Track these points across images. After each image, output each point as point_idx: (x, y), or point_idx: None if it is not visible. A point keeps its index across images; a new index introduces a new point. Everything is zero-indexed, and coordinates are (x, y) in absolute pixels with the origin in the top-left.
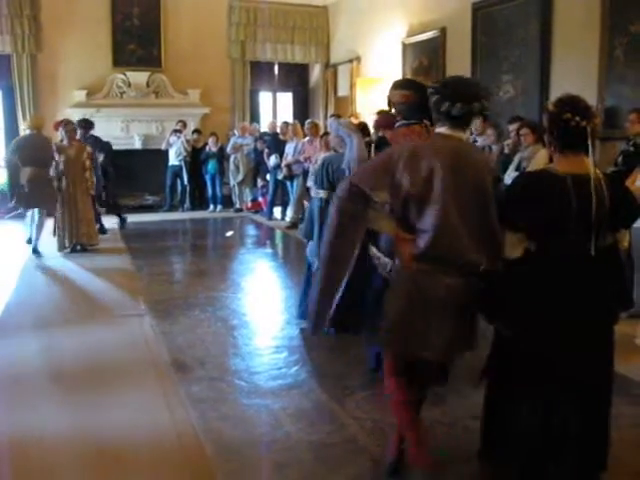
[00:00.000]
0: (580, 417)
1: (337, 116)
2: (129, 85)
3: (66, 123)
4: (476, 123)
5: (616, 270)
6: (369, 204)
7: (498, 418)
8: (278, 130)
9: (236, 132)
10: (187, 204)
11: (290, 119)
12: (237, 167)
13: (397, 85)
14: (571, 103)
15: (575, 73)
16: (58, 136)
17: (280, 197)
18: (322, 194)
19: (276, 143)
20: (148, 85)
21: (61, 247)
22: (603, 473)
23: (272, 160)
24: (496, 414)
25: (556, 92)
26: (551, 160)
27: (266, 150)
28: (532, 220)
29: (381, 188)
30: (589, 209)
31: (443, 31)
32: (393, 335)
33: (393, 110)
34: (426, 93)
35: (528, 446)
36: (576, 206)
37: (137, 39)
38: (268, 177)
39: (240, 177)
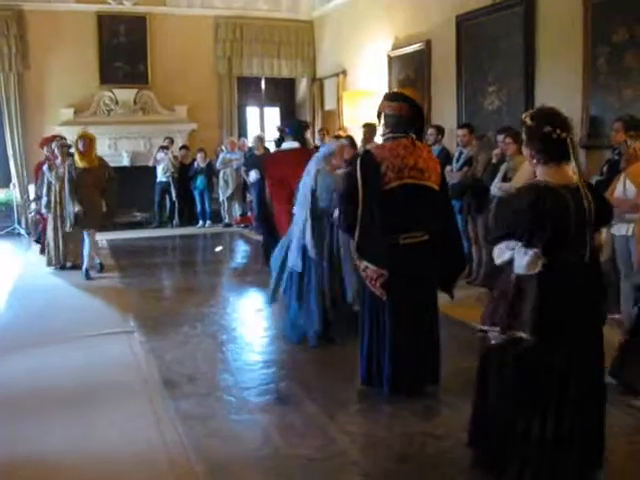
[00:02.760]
0: (580, 417)
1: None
2: (116, 102)
3: (62, 143)
4: (461, 134)
5: (600, 272)
6: None
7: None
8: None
9: (224, 147)
10: (176, 220)
11: (276, 134)
12: (226, 182)
13: (387, 97)
14: (550, 116)
15: (559, 83)
16: (44, 153)
17: None
18: None
19: (254, 159)
20: (135, 102)
21: (49, 263)
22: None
23: (252, 176)
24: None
25: (541, 102)
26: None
27: (243, 168)
28: (545, 234)
29: None
30: (583, 217)
31: (428, 43)
32: None
33: (382, 122)
34: (416, 107)
35: (526, 449)
36: (574, 216)
37: (124, 56)
38: (248, 194)
39: (229, 192)
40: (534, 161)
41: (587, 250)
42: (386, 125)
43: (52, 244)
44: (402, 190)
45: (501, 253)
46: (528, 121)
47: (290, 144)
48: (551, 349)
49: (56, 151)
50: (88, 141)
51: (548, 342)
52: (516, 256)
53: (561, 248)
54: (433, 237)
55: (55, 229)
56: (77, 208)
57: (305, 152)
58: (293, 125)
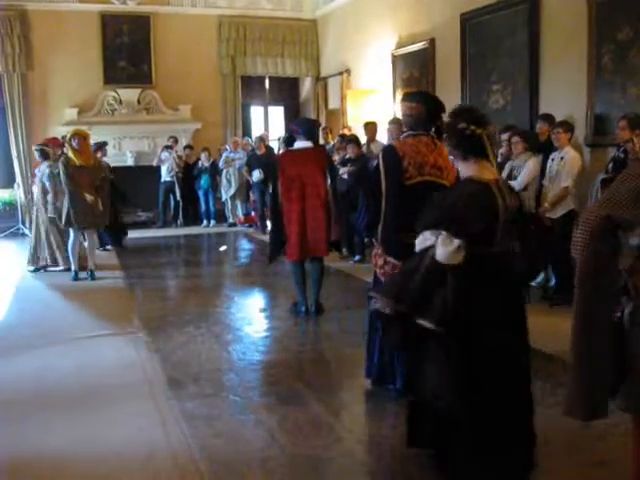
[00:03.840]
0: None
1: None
2: (120, 102)
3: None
4: None
5: (527, 265)
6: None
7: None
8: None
9: (228, 147)
10: (180, 220)
11: (282, 133)
12: (229, 181)
13: (405, 97)
14: (465, 113)
15: (564, 81)
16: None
17: None
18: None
19: (256, 158)
20: (139, 102)
21: (29, 262)
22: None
23: (256, 175)
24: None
25: (545, 100)
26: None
27: (245, 167)
28: (475, 228)
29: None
30: (507, 210)
31: (432, 42)
32: None
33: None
34: (434, 105)
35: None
36: (502, 208)
37: (127, 56)
38: (251, 194)
39: (232, 191)
40: (454, 157)
41: (511, 245)
42: (405, 124)
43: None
44: (422, 187)
45: (424, 240)
46: (446, 118)
47: (304, 143)
48: (460, 340)
49: (36, 156)
50: (82, 139)
51: (454, 333)
52: (440, 244)
53: (486, 242)
54: None
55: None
56: (89, 198)
57: (319, 151)
58: (306, 124)
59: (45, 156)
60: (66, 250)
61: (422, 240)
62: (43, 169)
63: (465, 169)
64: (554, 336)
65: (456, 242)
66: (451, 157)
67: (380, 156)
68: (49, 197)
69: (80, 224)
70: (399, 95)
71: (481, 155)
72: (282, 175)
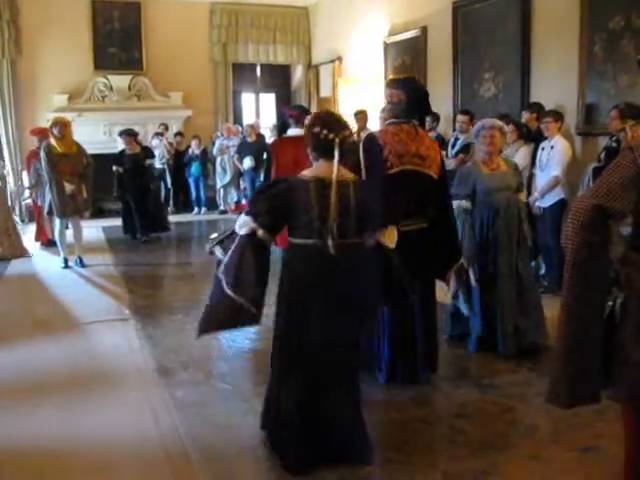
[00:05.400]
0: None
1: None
2: (111, 89)
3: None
4: (461, 120)
5: (364, 268)
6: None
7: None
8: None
9: (220, 134)
10: (171, 207)
11: (273, 120)
12: (224, 169)
13: (388, 83)
14: (322, 118)
15: (555, 70)
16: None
17: None
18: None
19: (246, 145)
20: (130, 88)
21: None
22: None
23: (247, 163)
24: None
25: (537, 89)
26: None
27: (235, 155)
28: (282, 217)
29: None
30: (329, 209)
31: (424, 30)
32: None
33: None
34: (416, 93)
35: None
36: (317, 206)
37: (118, 42)
38: (241, 181)
39: (227, 179)
40: (311, 157)
41: (330, 242)
42: (389, 111)
43: None
44: (403, 176)
45: (244, 224)
46: (306, 121)
47: (298, 130)
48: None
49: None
50: (62, 126)
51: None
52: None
53: (302, 234)
54: (431, 226)
55: None
56: (69, 188)
57: None
58: (300, 111)
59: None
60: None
61: (243, 224)
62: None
63: (315, 168)
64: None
65: (247, 219)
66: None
67: (361, 145)
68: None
69: (62, 213)
70: None
71: (330, 157)
72: (276, 162)
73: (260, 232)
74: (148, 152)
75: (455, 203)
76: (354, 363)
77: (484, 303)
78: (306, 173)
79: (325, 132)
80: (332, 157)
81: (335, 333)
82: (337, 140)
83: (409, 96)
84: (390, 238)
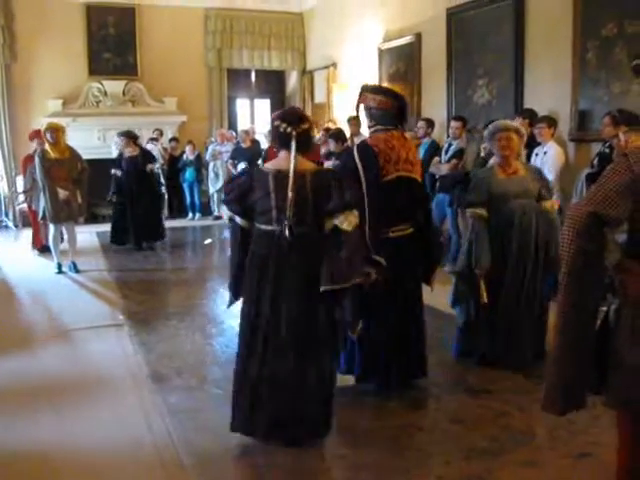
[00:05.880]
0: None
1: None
2: (105, 94)
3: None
4: (454, 127)
5: (317, 254)
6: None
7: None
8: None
9: (214, 139)
10: (166, 212)
11: (268, 126)
12: (216, 174)
13: (374, 90)
14: (283, 113)
15: (549, 77)
16: (33, 146)
17: None
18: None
19: (241, 151)
20: (124, 94)
21: None
22: None
23: (241, 168)
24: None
25: (530, 95)
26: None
27: (230, 161)
28: (247, 204)
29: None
30: (286, 198)
31: (418, 36)
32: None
33: (364, 113)
34: (403, 102)
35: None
36: (275, 196)
37: (113, 48)
38: None
39: (219, 184)
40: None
41: (286, 229)
42: (372, 118)
43: None
44: (398, 183)
45: (225, 211)
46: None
47: None
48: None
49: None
50: (55, 131)
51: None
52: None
53: (263, 220)
54: (416, 230)
55: None
56: (62, 194)
57: None
58: None
59: None
60: None
61: (224, 210)
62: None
63: (277, 159)
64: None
65: (227, 215)
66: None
67: (356, 154)
68: None
69: (56, 219)
70: None
71: (289, 149)
72: None
73: (237, 219)
74: (148, 156)
75: (469, 211)
76: (309, 342)
77: (491, 319)
78: (268, 165)
79: (284, 125)
80: (290, 149)
81: (285, 310)
82: (294, 133)
83: (398, 104)
84: (349, 221)
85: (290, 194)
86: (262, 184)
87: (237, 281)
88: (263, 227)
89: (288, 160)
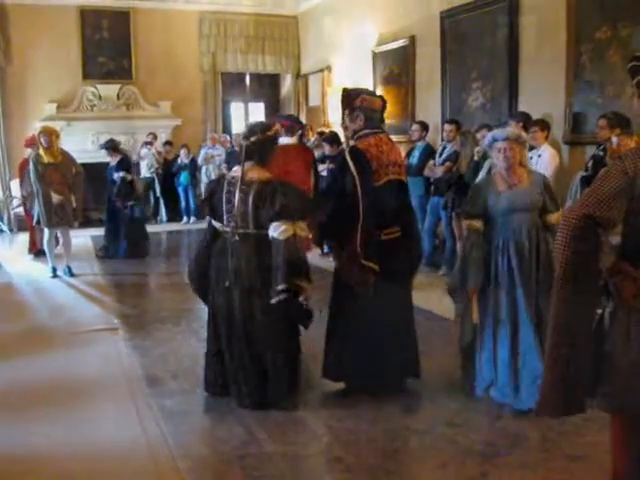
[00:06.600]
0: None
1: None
2: (100, 98)
3: None
4: (448, 130)
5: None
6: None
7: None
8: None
9: (207, 143)
10: (162, 216)
11: None
12: (209, 178)
13: (370, 92)
14: (247, 127)
15: (543, 80)
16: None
17: None
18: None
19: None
20: (119, 97)
21: None
22: None
23: None
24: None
25: (524, 99)
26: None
27: (224, 165)
28: (213, 209)
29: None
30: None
31: (412, 39)
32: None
33: (354, 114)
34: (384, 100)
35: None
36: (227, 201)
37: (107, 52)
38: None
39: None
40: None
41: (235, 231)
42: (365, 120)
43: None
44: (389, 186)
45: None
46: None
47: (287, 140)
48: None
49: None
50: (49, 135)
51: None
52: None
53: (219, 220)
54: (403, 232)
55: None
56: (56, 198)
57: (303, 148)
58: (289, 121)
59: None
60: None
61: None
62: None
63: (238, 168)
64: None
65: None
66: None
67: (349, 160)
68: None
69: (49, 223)
70: (380, 92)
71: (248, 160)
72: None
73: (212, 220)
74: (123, 163)
75: (465, 223)
76: (257, 332)
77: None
78: (231, 172)
79: (240, 139)
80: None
81: (228, 300)
82: (243, 144)
83: (383, 103)
84: (281, 230)
85: (236, 199)
86: (219, 190)
87: (202, 287)
88: (218, 226)
89: (254, 169)
